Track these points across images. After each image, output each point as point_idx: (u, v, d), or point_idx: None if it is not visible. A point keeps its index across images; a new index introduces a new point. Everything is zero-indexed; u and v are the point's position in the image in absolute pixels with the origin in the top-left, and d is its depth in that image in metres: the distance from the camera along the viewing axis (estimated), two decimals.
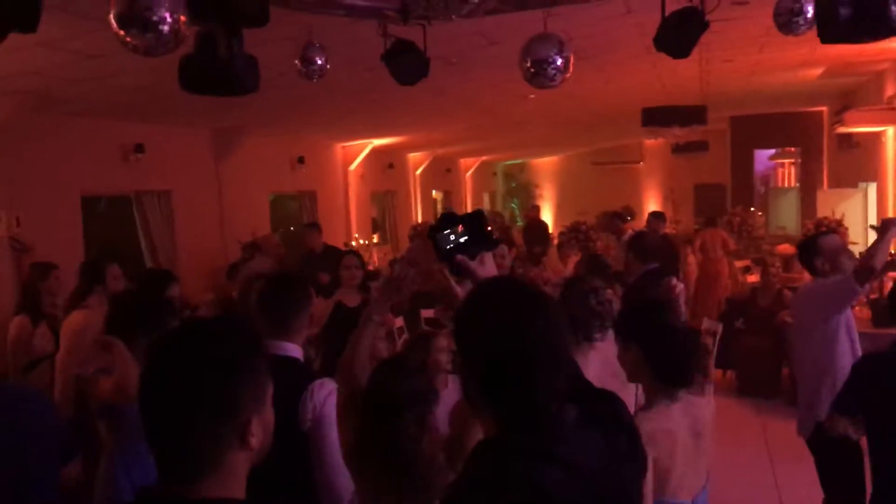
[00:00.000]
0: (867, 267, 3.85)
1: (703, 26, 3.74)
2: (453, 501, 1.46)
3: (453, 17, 2.80)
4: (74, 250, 7.69)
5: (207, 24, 3.50)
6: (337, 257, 6.53)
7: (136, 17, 3.09)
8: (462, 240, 1.93)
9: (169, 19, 3.12)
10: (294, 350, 2.86)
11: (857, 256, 6.08)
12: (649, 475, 2.32)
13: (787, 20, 4.04)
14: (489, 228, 1.97)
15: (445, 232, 1.93)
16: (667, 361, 2.59)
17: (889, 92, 10.64)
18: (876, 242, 3.96)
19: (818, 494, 4.38)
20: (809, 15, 3.91)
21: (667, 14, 3.84)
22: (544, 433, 1.43)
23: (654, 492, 2.48)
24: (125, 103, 7.66)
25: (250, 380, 1.38)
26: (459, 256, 1.90)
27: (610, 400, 1.62)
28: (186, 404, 1.32)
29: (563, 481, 1.40)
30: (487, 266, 1.92)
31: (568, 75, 4.21)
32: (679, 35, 3.82)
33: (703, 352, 2.50)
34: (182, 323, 1.51)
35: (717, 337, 7.08)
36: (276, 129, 10.91)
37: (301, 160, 12.05)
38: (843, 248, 4.42)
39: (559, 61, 4.10)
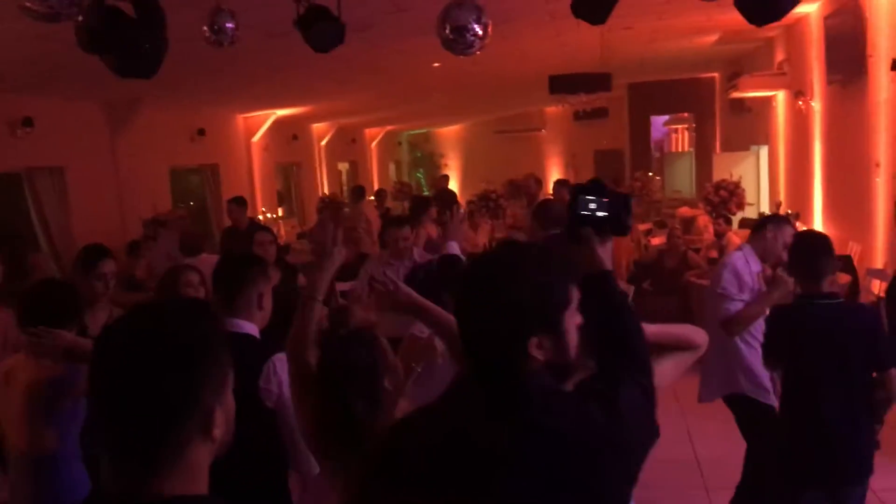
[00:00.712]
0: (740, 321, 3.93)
1: None
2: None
3: None
4: None
5: None
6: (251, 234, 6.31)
7: None
8: (599, 214, 1.83)
9: None
10: (249, 327, 2.77)
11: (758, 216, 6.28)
12: None
13: None
14: (628, 217, 1.87)
15: (589, 197, 1.84)
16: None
17: (779, 57, 11.12)
18: (760, 298, 3.91)
19: (728, 445, 4.59)
20: None
21: None
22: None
23: None
24: (11, 74, 7.18)
25: (212, 366, 1.28)
26: (587, 229, 1.81)
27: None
28: (143, 397, 1.21)
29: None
30: (607, 250, 1.83)
31: (487, 42, 4.19)
32: (596, 1, 3.84)
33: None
34: (134, 307, 1.37)
35: (629, 298, 7.29)
36: (174, 99, 10.48)
37: (201, 132, 11.64)
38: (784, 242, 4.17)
39: (478, 28, 4.07)
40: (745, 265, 4.09)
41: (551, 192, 10.63)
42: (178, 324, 1.29)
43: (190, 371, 1.24)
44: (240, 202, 8.36)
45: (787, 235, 4.04)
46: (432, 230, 6.86)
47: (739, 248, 4.32)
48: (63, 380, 3.06)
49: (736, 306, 3.95)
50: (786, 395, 3.41)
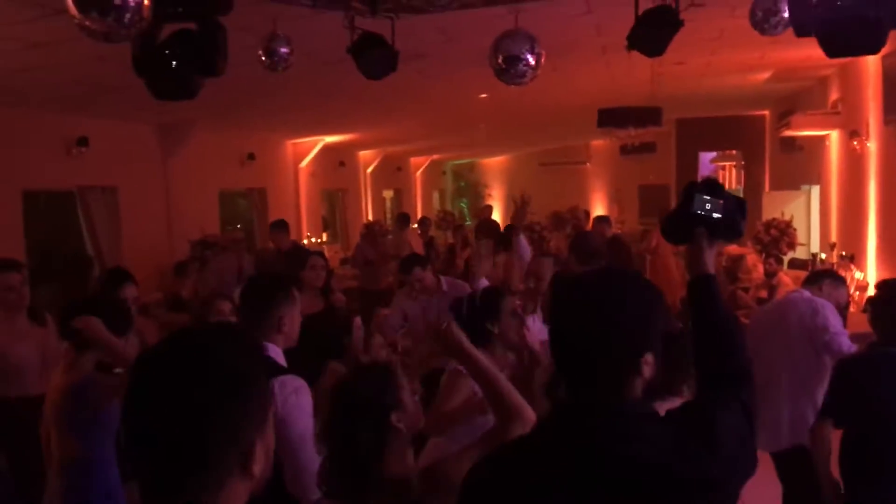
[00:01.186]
0: None
1: (678, 24, 3.73)
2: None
3: (431, 9, 2.71)
4: (15, 249, 7.35)
5: (170, 9, 3.34)
6: (304, 257, 6.34)
7: (97, 1, 2.92)
8: (715, 215, 1.76)
9: (132, 3, 2.96)
10: (272, 350, 2.75)
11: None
12: None
13: (763, 19, 4.07)
14: (743, 217, 1.80)
15: (706, 196, 1.76)
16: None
17: (833, 96, 10.93)
18: None
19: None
20: (786, 14, 3.94)
21: (640, 13, 3.81)
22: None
23: None
24: (68, 95, 7.36)
25: (255, 398, 1.21)
26: (701, 229, 1.76)
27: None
28: (182, 429, 1.14)
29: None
30: (713, 255, 1.79)
31: (538, 72, 4.16)
32: (653, 33, 3.80)
33: (687, 362, 2.34)
34: (175, 332, 1.30)
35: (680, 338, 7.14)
36: (225, 124, 10.66)
37: (251, 157, 11.81)
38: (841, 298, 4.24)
39: (531, 58, 4.05)
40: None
41: (591, 227, 10.56)
42: (221, 353, 1.22)
43: (233, 403, 1.17)
44: (281, 224, 8.46)
45: (841, 297, 4.01)
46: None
47: (800, 292, 4.17)
48: (82, 387, 3.08)
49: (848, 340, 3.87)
50: (849, 452, 3.24)
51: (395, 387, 2.17)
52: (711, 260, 1.75)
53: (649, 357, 1.52)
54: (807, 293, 4.05)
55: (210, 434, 1.15)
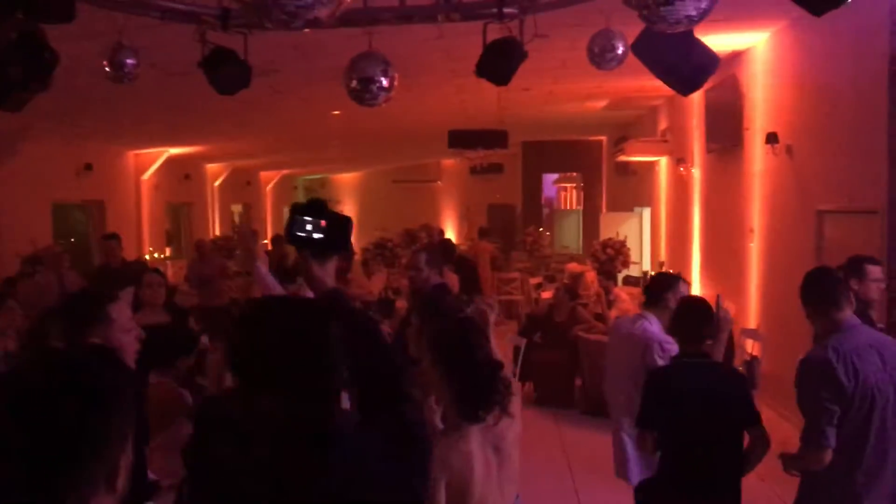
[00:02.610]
0: None
1: (523, 56, 3.94)
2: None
3: (287, 28, 2.75)
4: None
5: (7, 14, 3.18)
6: (136, 273, 6.06)
7: None
8: (315, 236, 1.85)
9: None
10: None
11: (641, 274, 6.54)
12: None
13: (599, 55, 4.37)
14: (345, 240, 1.90)
15: (306, 217, 1.85)
16: (467, 395, 2.51)
17: (662, 125, 11.78)
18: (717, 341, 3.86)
19: (614, 498, 4.71)
20: (620, 51, 4.25)
21: (487, 43, 4.00)
22: None
23: None
24: None
25: (120, 417, 1.24)
26: (304, 254, 1.86)
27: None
28: (49, 446, 1.15)
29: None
30: (328, 272, 1.87)
31: (392, 94, 4.26)
32: (500, 63, 3.99)
33: (504, 386, 2.42)
34: (44, 351, 1.30)
35: (521, 351, 7.43)
36: (60, 132, 10.07)
37: (88, 167, 11.20)
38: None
39: (384, 81, 4.15)
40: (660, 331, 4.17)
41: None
42: (88, 371, 1.25)
43: (99, 421, 1.19)
44: (112, 237, 7.89)
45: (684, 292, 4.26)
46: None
47: (642, 316, 4.33)
48: None
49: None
50: (666, 456, 3.52)
51: None
52: (328, 274, 1.88)
53: None
54: (648, 315, 4.26)
55: (76, 450, 1.16)
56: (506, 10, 3.86)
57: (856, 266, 3.99)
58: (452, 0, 3.98)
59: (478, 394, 2.49)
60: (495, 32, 4.19)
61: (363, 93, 4.18)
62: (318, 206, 1.88)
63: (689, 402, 3.38)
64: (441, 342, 2.61)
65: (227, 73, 4.18)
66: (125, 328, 2.75)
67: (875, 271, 4.01)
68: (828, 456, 3.06)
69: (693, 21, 2.61)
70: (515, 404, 2.69)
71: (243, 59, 4.22)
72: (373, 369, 1.79)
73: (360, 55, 4.20)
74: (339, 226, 1.88)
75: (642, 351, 4.14)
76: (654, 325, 4.21)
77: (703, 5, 2.54)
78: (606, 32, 4.36)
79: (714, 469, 3.37)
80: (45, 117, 8.36)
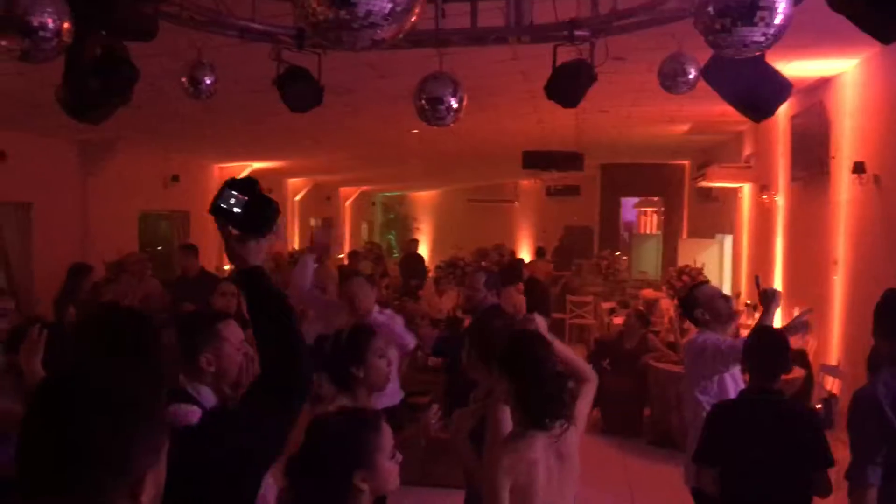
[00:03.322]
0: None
1: (592, 79, 3.90)
2: None
3: (351, 49, 2.78)
4: None
5: (92, 32, 3.33)
6: (213, 284, 6.21)
7: (15, 21, 2.89)
8: (235, 210, 1.87)
9: (51, 25, 2.94)
10: (201, 392, 2.62)
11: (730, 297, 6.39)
12: None
13: (671, 79, 4.29)
14: (264, 221, 1.91)
15: (233, 192, 1.87)
16: (538, 401, 2.64)
17: (747, 151, 11.46)
18: (762, 319, 4.06)
19: None
20: (691, 76, 4.17)
21: (557, 65, 3.97)
22: None
23: None
24: None
25: (148, 431, 1.24)
26: (224, 229, 1.90)
27: None
28: (74, 453, 1.17)
29: None
30: (251, 251, 1.91)
31: (461, 115, 4.28)
32: (569, 85, 3.96)
33: (569, 396, 2.65)
34: (79, 359, 1.34)
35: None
36: (149, 144, 10.50)
37: (175, 178, 11.62)
38: (718, 295, 4.54)
39: (453, 101, 4.16)
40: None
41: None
42: (121, 383, 1.27)
43: (125, 432, 1.21)
44: (189, 248, 8.07)
45: (707, 292, 4.42)
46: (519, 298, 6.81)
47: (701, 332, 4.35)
48: None
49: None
50: (727, 490, 3.39)
51: (372, 443, 2.06)
52: (256, 253, 1.92)
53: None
54: (706, 332, 4.26)
55: (100, 459, 1.19)
56: (577, 32, 3.83)
57: None
58: (523, 22, 3.97)
59: (545, 403, 2.64)
60: (569, 54, 4.17)
61: (432, 112, 4.21)
62: (247, 183, 1.90)
63: (754, 440, 3.25)
64: (509, 355, 2.76)
65: (299, 91, 4.27)
66: (236, 347, 2.83)
67: None
68: (870, 494, 2.89)
69: (761, 46, 2.53)
70: (578, 408, 2.82)
71: (316, 79, 4.31)
72: (274, 351, 1.90)
73: (429, 76, 4.23)
74: (262, 207, 1.88)
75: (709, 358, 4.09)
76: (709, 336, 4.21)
77: (772, 31, 2.45)
78: (677, 56, 4.28)
79: None
80: (135, 130, 8.74)
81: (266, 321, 1.91)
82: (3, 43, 2.97)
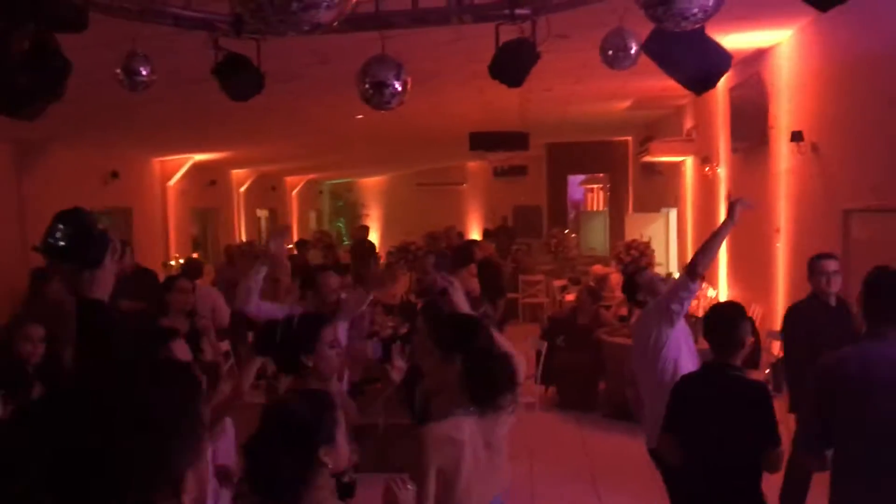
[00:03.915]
0: (694, 262, 4.15)
1: (535, 57, 3.90)
2: None
3: (290, 33, 2.72)
4: None
5: (19, 24, 3.20)
6: (148, 280, 6.04)
7: None
8: (60, 244, 1.86)
9: None
10: None
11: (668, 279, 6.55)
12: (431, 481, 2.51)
13: (613, 55, 4.31)
14: (90, 252, 1.88)
15: (59, 225, 1.87)
16: (484, 383, 2.67)
17: (688, 125, 11.64)
18: (714, 234, 4.22)
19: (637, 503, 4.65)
20: (633, 51, 4.20)
21: (500, 44, 3.96)
22: None
23: (439, 499, 2.56)
24: None
25: (187, 430, 1.24)
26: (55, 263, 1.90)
27: None
28: (114, 453, 1.16)
29: None
30: (87, 282, 1.88)
31: (405, 98, 4.24)
32: (512, 65, 3.96)
33: (513, 379, 2.74)
34: (119, 363, 1.31)
35: (543, 354, 7.37)
36: (86, 140, 10.20)
37: (115, 175, 11.33)
38: (657, 279, 4.84)
39: (397, 84, 4.13)
40: None
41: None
42: (158, 384, 1.28)
43: (164, 432, 1.21)
44: (122, 244, 7.91)
45: (647, 276, 4.76)
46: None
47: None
48: None
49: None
50: (685, 458, 3.46)
51: (331, 420, 2.13)
52: (90, 286, 1.87)
53: None
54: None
55: (139, 458, 1.18)
56: (518, 11, 3.82)
57: None
58: (464, 2, 3.95)
59: (493, 383, 2.67)
60: (512, 33, 4.16)
61: (376, 96, 4.17)
62: (73, 215, 1.88)
63: (709, 414, 3.32)
64: (455, 335, 2.80)
65: (240, 79, 4.19)
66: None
67: None
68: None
69: (699, 19, 2.55)
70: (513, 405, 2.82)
71: (256, 66, 4.23)
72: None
73: (371, 59, 4.19)
74: (86, 238, 1.86)
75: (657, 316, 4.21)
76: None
77: (710, 3, 2.48)
78: (619, 32, 4.31)
79: (731, 481, 3.31)
80: (70, 126, 8.47)
81: (90, 355, 1.86)
82: None
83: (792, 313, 4.68)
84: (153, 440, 1.19)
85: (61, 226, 1.85)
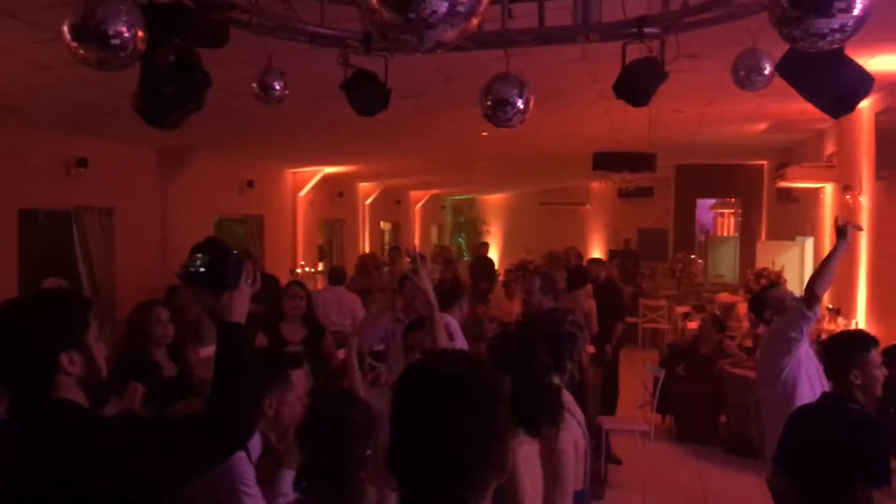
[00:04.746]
0: (810, 287, 3.99)
1: (662, 77, 3.80)
2: None
3: (420, 51, 2.77)
4: (8, 266, 7.40)
5: (166, 41, 3.42)
6: (272, 286, 6.27)
7: (92, 30, 2.99)
8: (201, 270, 2.00)
9: (126, 34, 3.03)
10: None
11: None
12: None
13: (745, 76, 4.15)
14: (227, 274, 2.00)
15: (197, 254, 2.01)
16: (526, 407, 2.62)
17: (828, 150, 11.03)
18: (827, 257, 4.17)
19: None
20: (767, 72, 4.02)
21: (626, 63, 3.88)
22: None
23: None
24: (69, 116, 7.45)
25: (504, 416, 1.41)
26: (198, 290, 2.01)
27: None
28: (454, 444, 1.31)
29: None
30: (225, 307, 1.99)
31: (527, 116, 4.23)
32: (638, 84, 3.87)
33: (559, 408, 2.81)
34: (428, 358, 1.54)
35: (660, 382, 7.14)
36: (225, 150, 10.76)
37: (250, 184, 11.89)
38: (788, 296, 4.58)
39: (519, 102, 4.12)
40: None
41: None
42: (477, 375, 1.41)
43: (492, 419, 1.34)
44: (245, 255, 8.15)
45: (776, 294, 4.54)
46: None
47: None
48: None
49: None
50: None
51: (375, 421, 2.29)
52: (229, 309, 1.99)
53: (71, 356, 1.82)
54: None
55: (473, 447, 1.31)
56: (646, 29, 3.74)
57: None
58: (591, 21, 3.90)
59: (538, 406, 2.68)
60: (639, 52, 4.08)
61: (498, 114, 4.18)
62: (210, 243, 2.06)
63: (817, 448, 3.11)
64: (503, 356, 2.80)
65: (366, 94, 4.30)
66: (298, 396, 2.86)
67: None
68: None
69: (838, 40, 2.40)
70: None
71: (383, 82, 4.33)
72: (218, 401, 1.94)
73: (495, 77, 4.20)
74: (221, 260, 1.99)
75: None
76: None
77: (850, 23, 2.33)
78: (752, 52, 4.14)
79: None
80: (211, 137, 8.97)
81: (224, 374, 1.96)
82: (81, 52, 3.07)
83: None
84: (490, 425, 1.35)
85: (199, 255, 2.01)
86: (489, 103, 4.18)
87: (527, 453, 2.58)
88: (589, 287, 7.17)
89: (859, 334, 3.55)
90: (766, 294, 4.57)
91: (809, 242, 12.31)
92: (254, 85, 4.49)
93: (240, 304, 2.00)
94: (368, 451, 2.22)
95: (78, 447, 1.72)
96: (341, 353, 7.54)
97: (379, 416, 2.34)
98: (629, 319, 11.14)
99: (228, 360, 1.96)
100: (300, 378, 2.79)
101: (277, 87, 4.47)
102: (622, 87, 3.93)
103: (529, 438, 2.64)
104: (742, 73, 4.16)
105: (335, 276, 8.74)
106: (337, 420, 2.23)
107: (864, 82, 3.12)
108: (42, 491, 1.69)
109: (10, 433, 1.79)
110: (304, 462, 2.25)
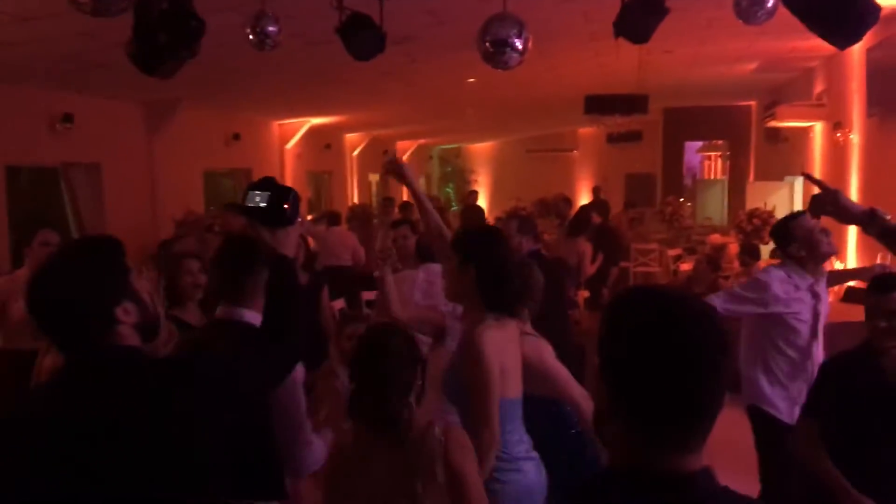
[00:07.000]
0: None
1: (664, 12, 3.75)
2: None
3: None
4: None
5: None
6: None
7: None
8: (262, 205, 2.11)
9: None
10: (251, 316, 2.59)
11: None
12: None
13: (747, 7, 4.09)
14: (287, 208, 2.12)
15: (255, 191, 2.13)
16: (499, 288, 2.78)
17: (818, 88, 11.00)
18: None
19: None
20: (770, 4, 3.97)
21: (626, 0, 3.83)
22: None
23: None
24: (53, 71, 7.30)
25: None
26: (254, 224, 2.13)
27: None
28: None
29: None
30: (279, 240, 2.13)
31: (526, 56, 4.18)
32: (639, 21, 3.83)
33: (535, 287, 3.06)
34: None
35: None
36: (211, 103, 10.60)
37: (237, 136, 11.75)
38: (819, 229, 3.92)
39: (518, 43, 4.07)
40: (787, 279, 3.91)
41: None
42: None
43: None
44: (232, 208, 7.62)
45: (806, 225, 3.86)
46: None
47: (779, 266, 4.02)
48: None
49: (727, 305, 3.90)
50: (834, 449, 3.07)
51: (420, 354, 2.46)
52: (286, 242, 2.13)
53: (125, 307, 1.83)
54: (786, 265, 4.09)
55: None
56: None
57: None
58: None
59: (513, 290, 2.84)
60: None
61: (496, 55, 4.13)
62: (267, 182, 2.17)
63: (861, 396, 2.99)
64: (469, 243, 2.93)
65: (363, 38, 4.24)
66: None
67: None
68: None
69: None
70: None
71: (378, 25, 4.26)
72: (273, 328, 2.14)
73: (493, 17, 4.14)
74: (282, 197, 2.11)
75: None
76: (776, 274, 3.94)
77: None
78: None
79: (881, 471, 2.98)
80: (196, 89, 8.82)
81: (276, 303, 2.18)
82: None
83: None
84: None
85: (258, 191, 2.12)
86: (487, 44, 4.12)
87: (492, 336, 2.72)
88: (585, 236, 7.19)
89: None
90: (791, 225, 3.92)
91: (799, 182, 12.35)
92: (247, 30, 4.40)
93: (293, 240, 2.16)
94: (419, 381, 2.34)
95: (169, 385, 1.77)
96: (339, 303, 7.59)
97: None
98: (621, 264, 11.20)
99: (282, 289, 2.14)
100: (301, 276, 3.08)
101: (272, 31, 4.39)
102: (623, 24, 3.88)
103: (497, 321, 2.78)
104: (744, 4, 4.09)
105: (332, 218, 9.70)
106: (381, 347, 2.34)
107: (870, 11, 3.09)
108: (136, 435, 1.67)
109: (85, 386, 1.74)
110: (353, 390, 2.37)
